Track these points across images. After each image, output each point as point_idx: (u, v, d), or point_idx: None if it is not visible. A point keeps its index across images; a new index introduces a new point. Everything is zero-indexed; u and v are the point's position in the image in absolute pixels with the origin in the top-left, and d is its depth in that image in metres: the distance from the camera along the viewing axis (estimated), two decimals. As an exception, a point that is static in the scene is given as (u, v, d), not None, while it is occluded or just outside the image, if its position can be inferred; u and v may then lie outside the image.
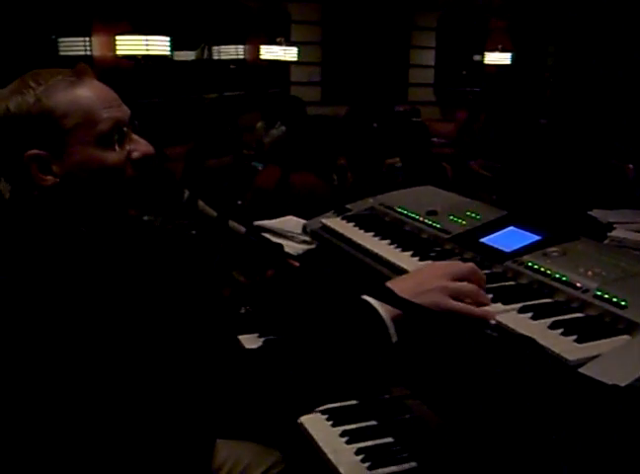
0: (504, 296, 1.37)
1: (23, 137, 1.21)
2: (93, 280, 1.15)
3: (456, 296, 1.27)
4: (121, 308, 1.14)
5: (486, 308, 1.30)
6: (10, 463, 1.18)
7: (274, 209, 2.43)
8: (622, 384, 1.03)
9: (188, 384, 1.12)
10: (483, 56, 10.35)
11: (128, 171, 1.27)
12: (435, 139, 7.60)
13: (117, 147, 1.26)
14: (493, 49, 10.21)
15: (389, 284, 1.29)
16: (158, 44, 6.60)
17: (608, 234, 2.04)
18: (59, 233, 1.21)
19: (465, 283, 1.31)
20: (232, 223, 1.54)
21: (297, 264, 1.66)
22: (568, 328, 1.24)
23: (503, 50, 10.13)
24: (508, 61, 10.17)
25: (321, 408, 1.72)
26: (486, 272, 1.55)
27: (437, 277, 1.28)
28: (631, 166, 4.55)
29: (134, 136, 1.30)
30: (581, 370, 1.09)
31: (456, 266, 1.36)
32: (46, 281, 1.12)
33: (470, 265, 1.37)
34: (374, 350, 1.22)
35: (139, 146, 1.29)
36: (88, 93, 1.25)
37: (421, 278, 1.30)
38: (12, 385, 1.13)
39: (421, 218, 1.89)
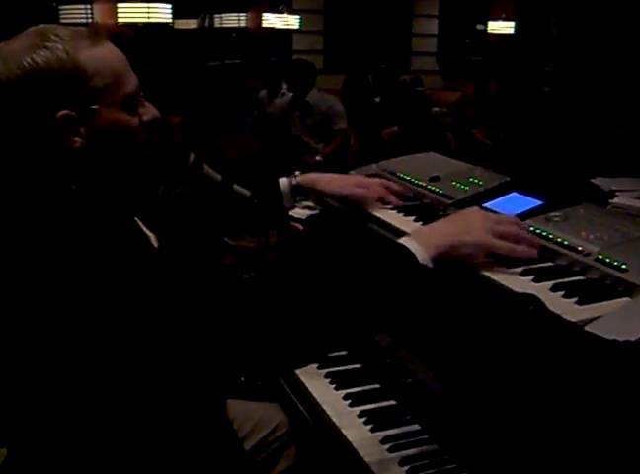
0: (506, 260, 1.38)
1: (53, 96, 1.14)
2: (118, 244, 1.12)
3: (499, 236, 1.35)
4: (136, 272, 1.11)
5: (526, 248, 1.37)
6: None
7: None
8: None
9: (200, 338, 1.12)
10: (486, 25, 10.25)
11: (141, 135, 1.25)
12: (436, 109, 7.56)
13: (139, 109, 1.24)
14: (496, 18, 10.11)
15: (435, 223, 1.40)
16: (159, 12, 6.56)
17: (610, 201, 2.03)
18: (89, 197, 1.18)
19: (508, 225, 1.40)
20: (237, 187, 1.55)
21: (301, 227, 1.67)
22: (569, 290, 1.26)
23: (506, 19, 10.04)
24: (511, 30, 10.08)
25: (324, 372, 1.74)
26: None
27: (482, 219, 1.38)
28: (634, 136, 4.53)
29: (144, 101, 1.28)
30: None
31: (498, 215, 1.46)
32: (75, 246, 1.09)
33: (512, 218, 1.46)
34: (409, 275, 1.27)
35: (149, 110, 1.27)
36: (113, 53, 1.22)
37: (467, 218, 1.39)
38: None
39: (424, 184, 1.89)
